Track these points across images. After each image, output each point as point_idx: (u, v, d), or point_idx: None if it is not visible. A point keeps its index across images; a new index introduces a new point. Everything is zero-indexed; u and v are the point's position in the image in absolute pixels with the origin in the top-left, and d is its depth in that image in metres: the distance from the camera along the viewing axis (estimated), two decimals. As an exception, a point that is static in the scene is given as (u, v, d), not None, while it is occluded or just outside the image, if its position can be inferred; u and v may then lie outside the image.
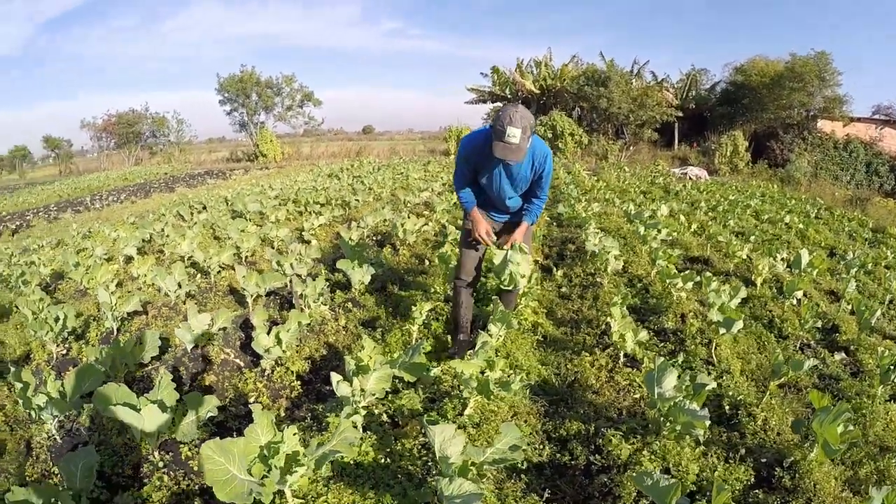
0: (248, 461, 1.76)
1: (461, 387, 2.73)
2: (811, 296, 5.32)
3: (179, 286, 4.68)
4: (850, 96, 24.67)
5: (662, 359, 2.50)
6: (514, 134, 2.69)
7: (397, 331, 3.92)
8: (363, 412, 2.50)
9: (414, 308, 3.82)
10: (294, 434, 1.89)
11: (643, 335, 3.51)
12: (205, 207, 10.91)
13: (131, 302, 4.21)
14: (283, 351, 3.43)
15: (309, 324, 4.05)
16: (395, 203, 10.12)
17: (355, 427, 2.28)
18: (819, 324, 4.25)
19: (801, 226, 9.39)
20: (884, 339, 4.46)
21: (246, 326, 4.10)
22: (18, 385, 2.61)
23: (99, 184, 23.41)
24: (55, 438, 2.74)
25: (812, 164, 22.19)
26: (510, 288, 3.33)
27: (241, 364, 3.64)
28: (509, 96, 31.12)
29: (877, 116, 25.04)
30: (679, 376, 2.44)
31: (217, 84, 33.50)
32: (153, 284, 5.06)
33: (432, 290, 4.81)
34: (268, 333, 3.40)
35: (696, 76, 29.29)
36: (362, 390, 2.52)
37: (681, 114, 26.79)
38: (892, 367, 3.23)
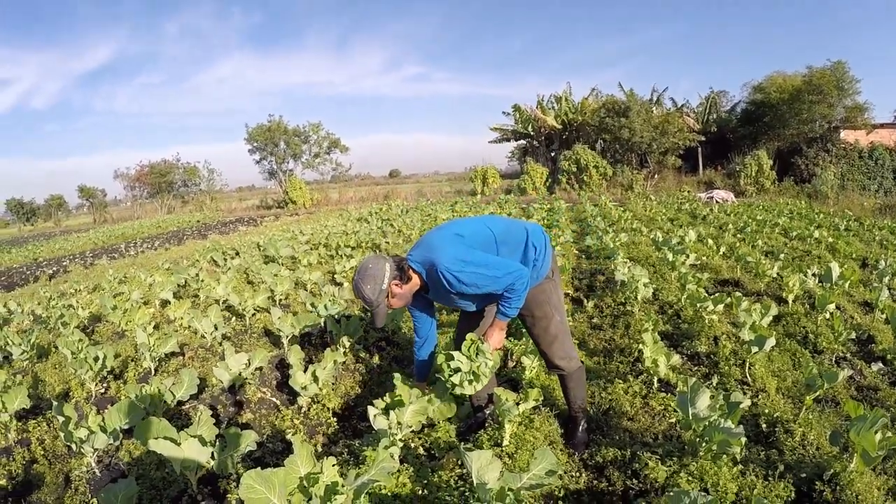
0: (287, 491, 1.81)
1: (499, 417, 2.74)
2: (845, 308, 5.19)
3: (216, 328, 4.83)
4: (870, 103, 24.22)
5: (695, 379, 2.50)
6: (368, 301, 2.55)
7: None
8: (400, 444, 2.54)
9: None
10: (333, 465, 1.94)
11: (675, 359, 3.48)
12: (237, 253, 11.17)
13: (169, 343, 4.35)
14: (320, 388, 3.50)
15: (344, 362, 4.13)
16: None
17: (392, 458, 2.32)
18: (854, 335, 4.13)
19: (830, 239, 9.17)
20: (924, 346, 4.31)
21: (281, 366, 4.20)
22: (60, 419, 2.71)
23: (133, 232, 24.10)
24: (94, 472, 2.84)
25: (838, 176, 21.79)
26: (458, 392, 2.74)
27: (278, 402, 3.72)
28: (532, 133, 31.38)
29: (899, 120, 24.56)
30: (712, 396, 2.43)
31: (246, 134, 34.36)
32: (189, 327, 5.22)
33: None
34: (304, 371, 3.49)
35: (715, 98, 29.22)
36: (399, 423, 2.58)
37: (703, 138, 26.67)
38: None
